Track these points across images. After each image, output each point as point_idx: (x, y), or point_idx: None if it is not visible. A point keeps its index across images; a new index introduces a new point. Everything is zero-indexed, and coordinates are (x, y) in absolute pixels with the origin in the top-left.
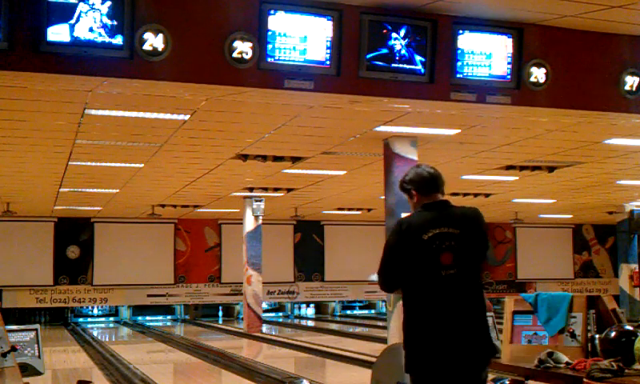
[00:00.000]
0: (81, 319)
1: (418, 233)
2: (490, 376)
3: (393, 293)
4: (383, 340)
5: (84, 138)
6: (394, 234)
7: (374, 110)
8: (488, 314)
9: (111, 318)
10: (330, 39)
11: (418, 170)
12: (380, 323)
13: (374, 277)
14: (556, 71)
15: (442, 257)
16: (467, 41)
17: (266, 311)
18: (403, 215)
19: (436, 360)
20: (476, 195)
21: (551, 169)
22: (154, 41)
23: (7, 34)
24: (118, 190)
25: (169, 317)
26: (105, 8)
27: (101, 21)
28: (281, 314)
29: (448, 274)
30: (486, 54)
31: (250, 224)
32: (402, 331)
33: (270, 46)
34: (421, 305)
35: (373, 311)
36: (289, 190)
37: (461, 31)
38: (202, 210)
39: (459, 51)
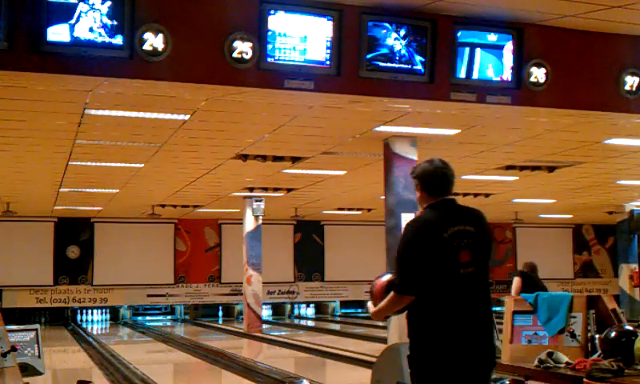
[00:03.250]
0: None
1: (439, 230)
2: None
3: (400, 308)
4: (383, 340)
5: (84, 138)
6: (411, 232)
7: (374, 110)
8: None
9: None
10: (330, 39)
11: (428, 165)
12: (380, 323)
13: (370, 304)
14: (556, 71)
15: (461, 255)
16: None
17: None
18: (403, 215)
19: (449, 360)
20: (476, 195)
21: (551, 169)
22: (153, 41)
23: (7, 33)
24: (118, 190)
25: (169, 317)
26: (105, 8)
27: (101, 21)
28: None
29: (466, 272)
30: None
31: (249, 224)
32: (411, 331)
33: (270, 46)
34: (438, 304)
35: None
36: (289, 190)
37: (461, 31)
38: (202, 210)
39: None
